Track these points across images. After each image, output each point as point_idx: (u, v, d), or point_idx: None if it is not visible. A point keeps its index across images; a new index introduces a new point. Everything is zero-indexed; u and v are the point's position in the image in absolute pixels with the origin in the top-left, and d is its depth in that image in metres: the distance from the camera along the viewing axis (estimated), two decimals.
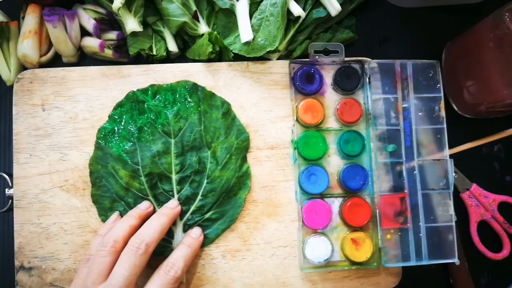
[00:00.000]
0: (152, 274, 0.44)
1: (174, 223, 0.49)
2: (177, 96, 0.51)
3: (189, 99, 0.51)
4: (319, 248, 0.50)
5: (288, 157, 0.52)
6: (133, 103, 0.51)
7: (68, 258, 0.50)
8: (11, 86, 0.52)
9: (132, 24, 0.51)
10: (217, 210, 0.50)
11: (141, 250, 0.42)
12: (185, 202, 0.50)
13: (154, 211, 0.49)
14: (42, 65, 0.54)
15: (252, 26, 0.51)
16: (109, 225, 0.48)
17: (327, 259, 0.50)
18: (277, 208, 0.52)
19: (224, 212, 0.51)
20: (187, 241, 0.48)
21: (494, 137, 0.58)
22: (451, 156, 0.54)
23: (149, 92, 0.51)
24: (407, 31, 0.59)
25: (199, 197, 0.50)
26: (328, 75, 0.54)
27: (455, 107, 0.57)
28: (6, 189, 0.52)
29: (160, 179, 0.50)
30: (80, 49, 0.55)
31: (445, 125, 0.52)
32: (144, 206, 0.49)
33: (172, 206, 0.49)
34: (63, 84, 0.52)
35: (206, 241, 0.50)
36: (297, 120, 0.52)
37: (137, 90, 0.51)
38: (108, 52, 0.54)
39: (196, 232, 0.49)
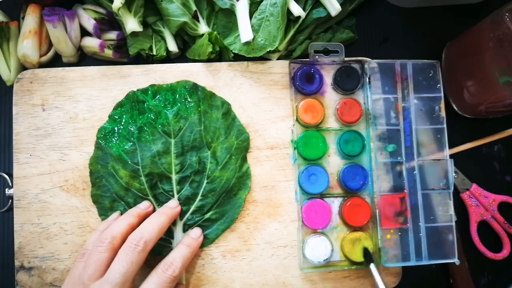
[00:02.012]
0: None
1: (174, 223, 0.49)
2: (177, 96, 0.51)
3: (189, 99, 0.51)
4: (319, 248, 0.50)
5: (288, 157, 0.52)
6: (133, 103, 0.51)
7: (68, 258, 0.50)
8: (11, 86, 0.52)
9: (132, 24, 0.51)
10: (217, 210, 0.50)
11: (139, 247, 0.42)
12: (185, 202, 0.50)
13: (153, 211, 0.49)
14: (42, 65, 0.54)
15: (252, 26, 0.51)
16: (108, 222, 0.48)
17: (327, 259, 0.50)
18: (277, 208, 0.52)
19: (224, 212, 0.51)
20: (187, 241, 0.48)
21: (494, 137, 0.58)
22: (451, 156, 0.54)
23: (149, 92, 0.51)
24: (407, 31, 0.59)
25: (199, 197, 0.50)
26: (328, 75, 0.54)
27: (455, 107, 0.57)
28: (6, 189, 0.52)
29: (160, 179, 0.50)
30: (80, 49, 0.55)
31: (445, 125, 0.52)
32: (144, 206, 0.48)
33: (172, 206, 0.49)
34: (63, 84, 0.52)
35: (206, 241, 0.50)
36: (297, 120, 0.52)
37: (137, 90, 0.51)
38: (108, 52, 0.54)
39: (195, 233, 0.49)
